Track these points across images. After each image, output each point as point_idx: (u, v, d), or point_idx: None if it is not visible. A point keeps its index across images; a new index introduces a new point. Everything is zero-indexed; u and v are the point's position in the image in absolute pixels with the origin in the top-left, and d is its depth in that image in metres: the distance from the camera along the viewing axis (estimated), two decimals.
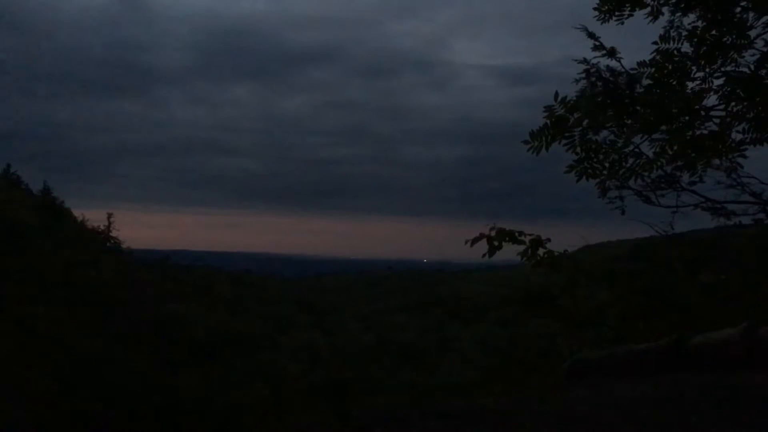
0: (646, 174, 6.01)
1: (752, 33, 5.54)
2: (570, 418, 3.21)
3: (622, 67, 5.93)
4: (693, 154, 5.79)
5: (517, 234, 5.93)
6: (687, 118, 5.75)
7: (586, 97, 5.84)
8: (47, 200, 33.44)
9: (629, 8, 6.04)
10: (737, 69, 5.61)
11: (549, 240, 6.06)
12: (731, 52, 5.61)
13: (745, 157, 5.74)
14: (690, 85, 5.83)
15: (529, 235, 6.00)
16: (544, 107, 5.83)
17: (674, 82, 5.85)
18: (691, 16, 5.79)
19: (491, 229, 5.77)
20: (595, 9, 6.10)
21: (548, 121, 5.83)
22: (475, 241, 5.76)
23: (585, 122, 5.87)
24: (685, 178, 6.11)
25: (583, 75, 5.93)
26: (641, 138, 5.85)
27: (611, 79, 5.86)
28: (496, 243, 5.79)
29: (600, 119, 5.84)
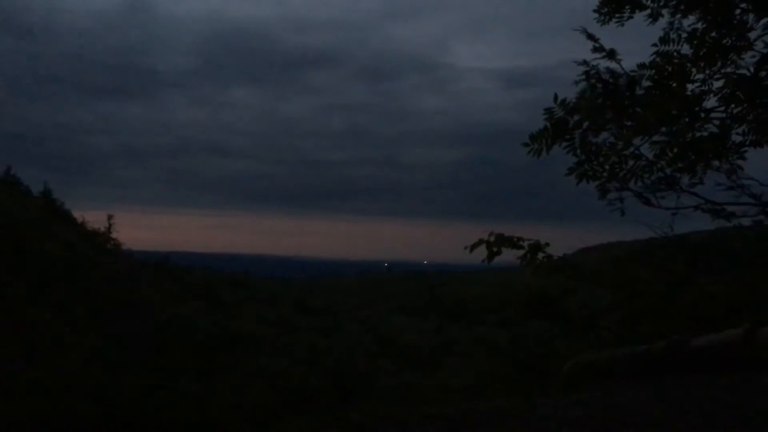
0: (646, 176, 6.00)
1: (752, 35, 5.54)
2: (570, 421, 3.20)
3: (622, 69, 5.93)
4: (693, 156, 5.79)
5: (515, 239, 5.90)
6: (687, 120, 5.75)
7: (586, 99, 5.83)
8: (47, 202, 33.45)
9: (629, 10, 6.04)
10: (737, 71, 5.62)
11: (548, 244, 6.03)
12: (731, 54, 5.61)
13: (745, 159, 5.74)
14: (690, 87, 5.83)
15: (528, 240, 5.97)
16: (544, 109, 5.82)
17: (674, 84, 5.84)
18: (691, 18, 5.80)
19: (490, 234, 5.75)
20: (595, 11, 6.10)
21: (548, 124, 5.82)
22: (474, 246, 5.75)
23: (585, 124, 5.87)
24: (685, 179, 6.10)
25: (583, 77, 5.93)
26: (641, 140, 5.85)
27: (611, 80, 5.86)
28: (495, 249, 5.77)
29: (600, 121, 5.84)
